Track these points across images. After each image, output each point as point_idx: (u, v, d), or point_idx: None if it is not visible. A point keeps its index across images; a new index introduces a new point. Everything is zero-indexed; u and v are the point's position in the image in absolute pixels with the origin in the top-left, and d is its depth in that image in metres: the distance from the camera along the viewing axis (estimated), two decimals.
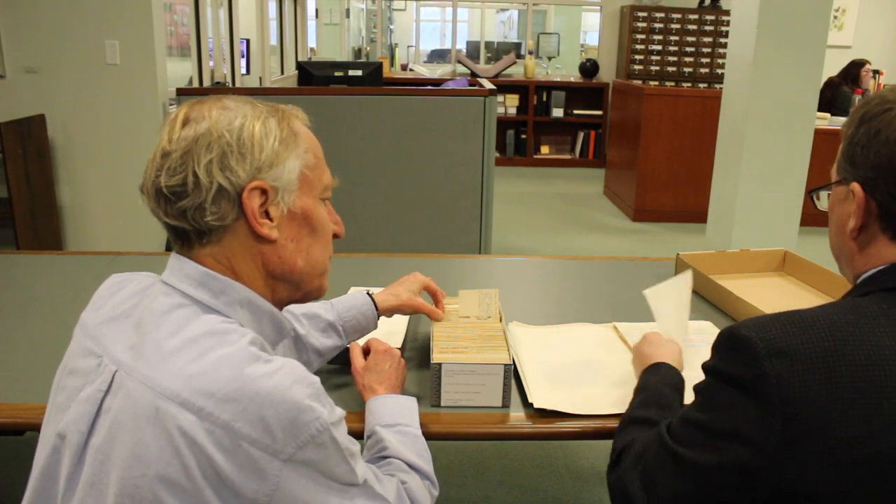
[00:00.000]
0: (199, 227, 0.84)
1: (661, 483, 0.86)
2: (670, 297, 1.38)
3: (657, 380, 1.12)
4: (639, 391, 1.12)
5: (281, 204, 0.87)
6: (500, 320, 1.42)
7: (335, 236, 0.98)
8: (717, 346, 0.86)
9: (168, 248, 0.99)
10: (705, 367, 0.88)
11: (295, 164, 0.88)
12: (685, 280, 1.41)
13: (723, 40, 7.38)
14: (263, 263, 0.88)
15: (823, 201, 0.99)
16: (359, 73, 3.59)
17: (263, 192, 0.85)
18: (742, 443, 0.78)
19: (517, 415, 1.22)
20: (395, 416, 1.11)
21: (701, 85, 7.48)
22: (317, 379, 0.82)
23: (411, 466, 1.04)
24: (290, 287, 0.93)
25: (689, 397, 1.01)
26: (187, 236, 0.86)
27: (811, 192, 1.02)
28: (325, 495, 0.80)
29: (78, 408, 0.82)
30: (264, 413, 0.75)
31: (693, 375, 1.36)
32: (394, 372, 1.21)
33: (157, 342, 0.80)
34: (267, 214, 0.86)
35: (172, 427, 0.74)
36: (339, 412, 0.84)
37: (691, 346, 1.46)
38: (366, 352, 1.27)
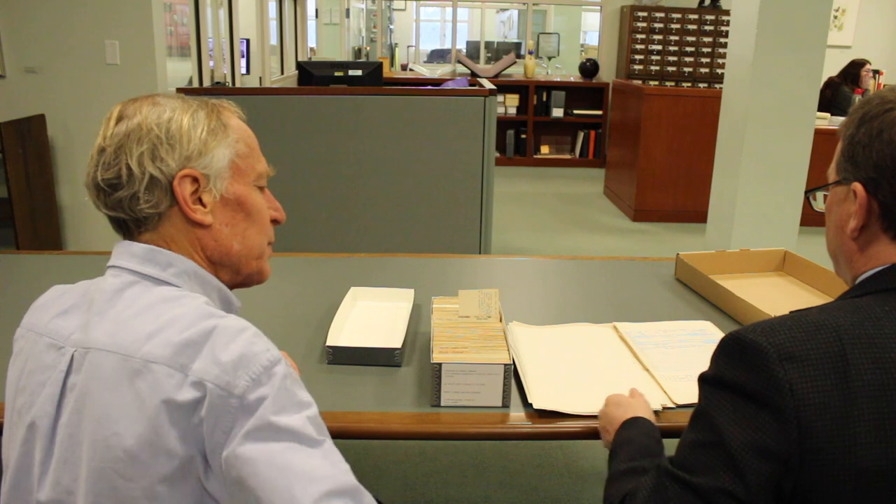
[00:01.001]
0: (136, 215, 0.89)
1: None
2: None
3: (637, 432, 1.04)
4: (621, 446, 1.03)
5: (213, 191, 0.92)
6: (500, 320, 1.42)
7: (275, 222, 1.02)
8: (721, 354, 0.82)
9: None
10: (705, 379, 0.83)
11: (224, 152, 0.93)
12: None
13: (723, 40, 7.38)
14: (202, 248, 0.93)
15: (820, 202, 0.98)
16: (359, 73, 3.59)
17: (194, 179, 0.90)
18: (759, 455, 0.75)
19: (517, 415, 1.22)
20: None
21: (701, 85, 7.48)
22: (261, 334, 0.86)
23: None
24: (230, 271, 0.97)
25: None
26: (126, 226, 0.91)
27: (808, 193, 1.01)
28: (283, 440, 0.78)
29: (44, 394, 0.85)
30: (218, 353, 0.79)
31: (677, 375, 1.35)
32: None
33: (113, 316, 0.85)
34: (200, 201, 0.91)
35: (137, 381, 0.79)
36: (291, 370, 0.84)
37: (676, 347, 1.46)
38: None
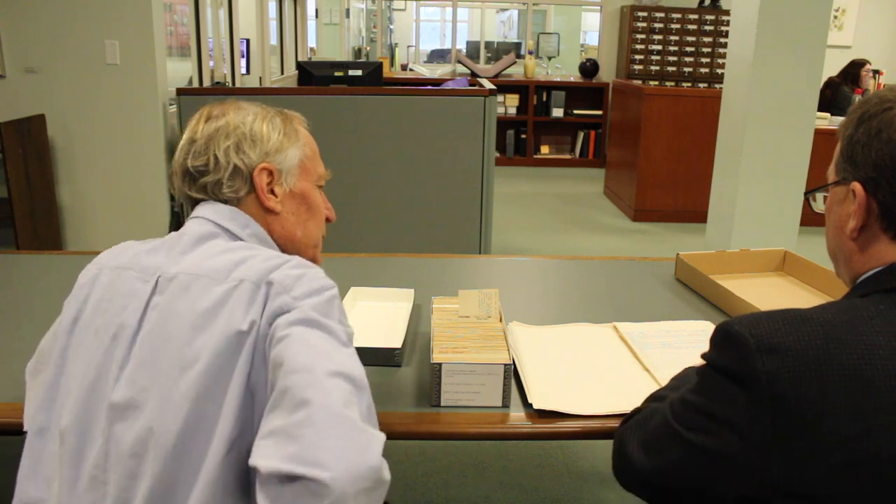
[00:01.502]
0: (218, 198, 1.04)
1: (656, 451, 0.90)
2: None
3: (691, 371, 1.12)
4: (674, 379, 1.15)
5: (284, 184, 1.08)
6: (500, 320, 1.42)
7: (327, 220, 1.18)
8: (712, 340, 0.87)
9: None
10: (703, 357, 0.89)
11: (295, 153, 1.10)
12: None
13: (723, 40, 7.38)
14: (269, 232, 1.07)
15: (819, 203, 0.99)
16: (359, 73, 3.59)
17: (270, 172, 1.06)
18: (731, 430, 0.79)
19: (517, 415, 1.22)
20: None
21: (701, 85, 7.48)
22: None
23: None
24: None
25: None
26: None
27: (807, 194, 1.02)
28: (318, 334, 0.87)
29: (127, 311, 0.93)
30: (289, 269, 0.93)
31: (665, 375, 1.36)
32: None
33: (199, 253, 0.97)
34: (273, 192, 1.07)
35: (218, 291, 0.90)
36: (342, 305, 0.95)
37: (669, 348, 1.46)
38: None
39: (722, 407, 0.81)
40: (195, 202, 1.06)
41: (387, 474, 0.77)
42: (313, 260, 1.14)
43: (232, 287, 0.90)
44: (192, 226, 1.02)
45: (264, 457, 0.76)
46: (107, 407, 0.90)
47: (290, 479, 0.73)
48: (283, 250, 1.08)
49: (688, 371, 1.14)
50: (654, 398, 1.08)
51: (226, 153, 1.03)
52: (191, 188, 1.04)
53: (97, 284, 0.99)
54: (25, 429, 0.99)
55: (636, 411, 1.04)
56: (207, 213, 1.03)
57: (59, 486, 0.91)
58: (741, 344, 0.80)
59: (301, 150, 1.11)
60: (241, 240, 1.02)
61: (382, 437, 0.79)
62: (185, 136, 1.06)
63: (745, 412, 0.79)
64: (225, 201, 1.04)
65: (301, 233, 1.11)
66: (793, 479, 0.76)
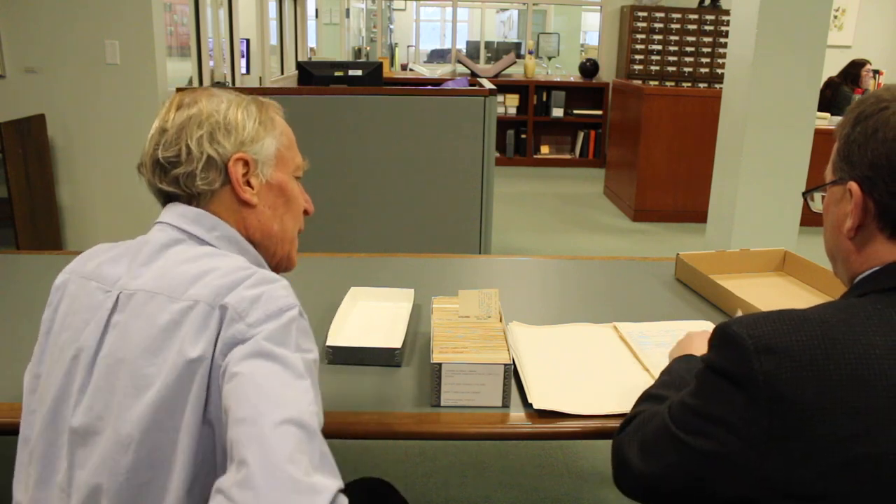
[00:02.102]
0: (190, 191, 0.98)
1: (656, 456, 0.90)
2: None
3: (682, 367, 1.14)
4: (663, 374, 1.14)
5: (260, 175, 1.02)
6: (500, 320, 1.42)
7: (305, 213, 1.13)
8: (711, 341, 0.87)
9: None
10: (702, 359, 0.89)
11: (272, 142, 1.04)
12: None
13: (723, 40, 7.38)
14: (245, 226, 1.02)
15: (817, 202, 0.99)
16: (359, 72, 3.59)
17: (246, 163, 1.00)
18: (728, 431, 0.80)
19: (517, 415, 1.22)
20: None
21: (701, 85, 7.48)
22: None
23: None
24: (265, 253, 1.06)
25: None
26: (178, 200, 1.00)
27: (805, 194, 1.02)
28: (270, 369, 0.82)
29: (88, 330, 0.91)
30: (245, 290, 0.87)
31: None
32: None
33: (159, 265, 0.92)
34: (248, 184, 1.01)
35: (179, 317, 0.86)
36: (307, 325, 0.90)
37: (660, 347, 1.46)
38: None
39: (720, 408, 0.81)
40: (166, 196, 1.00)
41: None
42: (287, 259, 1.10)
43: (187, 307, 0.86)
44: (154, 233, 0.97)
45: None
46: (68, 431, 0.88)
47: None
48: (259, 246, 1.04)
49: (676, 364, 1.15)
50: (646, 398, 1.08)
51: (198, 143, 0.97)
52: (162, 181, 0.98)
53: (66, 293, 0.97)
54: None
55: (632, 417, 1.03)
56: (171, 219, 0.97)
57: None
58: (739, 344, 0.80)
59: (277, 139, 1.05)
60: (208, 243, 0.97)
61: (335, 486, 0.72)
62: (154, 125, 1.00)
63: (743, 413, 0.79)
64: (198, 194, 0.98)
65: (278, 227, 1.05)
66: (791, 480, 0.76)
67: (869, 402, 0.75)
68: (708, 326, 1.57)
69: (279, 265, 1.10)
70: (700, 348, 1.20)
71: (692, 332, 1.29)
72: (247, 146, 1.00)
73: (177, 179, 0.97)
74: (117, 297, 0.90)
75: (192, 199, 0.98)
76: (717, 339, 0.86)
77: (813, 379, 0.76)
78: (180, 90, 3.65)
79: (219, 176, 0.98)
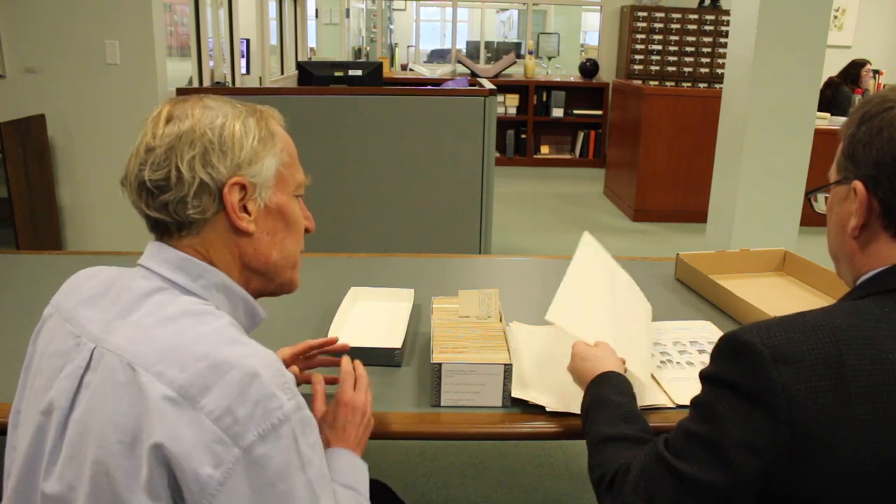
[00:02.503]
0: (181, 219, 0.88)
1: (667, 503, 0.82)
2: (580, 293, 1.33)
3: (610, 391, 1.06)
4: (598, 405, 1.05)
5: (258, 199, 0.92)
6: (500, 320, 1.42)
7: (306, 231, 1.02)
8: (719, 354, 0.83)
9: None
10: (704, 376, 0.85)
11: (272, 161, 0.92)
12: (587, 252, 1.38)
13: (723, 40, 7.37)
14: (240, 255, 0.93)
15: (821, 203, 0.99)
16: (359, 73, 3.59)
17: (243, 187, 0.89)
18: (750, 453, 0.76)
19: (517, 415, 1.22)
20: (353, 479, 1.02)
21: (701, 85, 7.47)
22: (290, 374, 0.82)
23: None
24: (263, 279, 0.97)
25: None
26: (167, 228, 0.90)
27: (808, 194, 1.01)
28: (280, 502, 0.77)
29: (60, 384, 0.84)
30: (230, 392, 0.76)
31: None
32: (354, 430, 1.08)
33: (135, 321, 0.83)
34: (245, 209, 0.91)
35: (144, 392, 0.77)
36: (307, 414, 0.81)
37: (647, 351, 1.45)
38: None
39: (737, 429, 0.77)
40: (154, 222, 0.90)
41: None
42: (290, 283, 1.00)
43: (153, 392, 0.77)
44: (136, 278, 0.88)
45: None
46: (40, 496, 0.83)
47: None
48: (257, 273, 0.95)
49: (605, 392, 1.06)
50: (610, 439, 0.97)
51: (190, 166, 0.85)
52: (149, 206, 0.87)
53: (45, 328, 0.93)
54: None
55: (612, 475, 0.90)
56: (154, 265, 0.88)
57: None
58: (754, 354, 0.78)
59: (278, 157, 0.93)
60: (193, 293, 0.88)
61: None
62: (140, 140, 0.89)
63: (762, 429, 0.76)
64: (190, 223, 0.88)
65: (277, 254, 0.95)
66: (810, 488, 0.75)
67: (885, 409, 0.74)
68: (707, 327, 1.57)
69: (280, 290, 1.00)
70: (604, 360, 1.12)
71: (578, 351, 1.18)
72: (244, 168, 0.89)
73: (165, 205, 0.86)
74: (91, 354, 0.83)
75: (182, 227, 0.88)
76: (727, 350, 0.82)
77: (831, 388, 0.75)
78: (181, 90, 3.63)
79: (212, 203, 0.88)
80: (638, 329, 1.39)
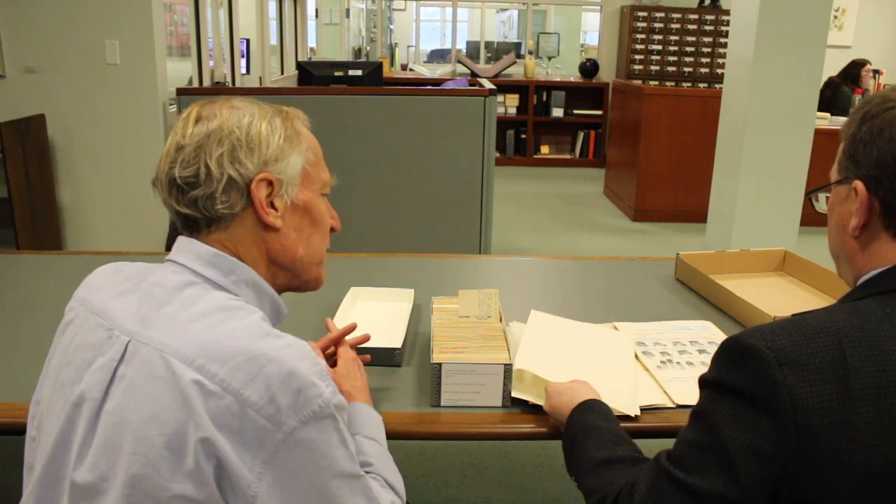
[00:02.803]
0: (209, 215, 0.90)
1: None
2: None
3: (595, 417, 1.06)
4: (585, 432, 1.04)
5: (285, 196, 0.94)
6: (500, 320, 1.42)
7: (332, 230, 1.05)
8: (720, 358, 0.82)
9: (168, 248, 1.03)
10: (705, 382, 0.84)
11: (298, 159, 0.96)
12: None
13: (723, 40, 7.38)
14: (267, 251, 0.95)
15: (822, 203, 0.98)
16: (359, 72, 3.59)
17: (270, 183, 0.92)
18: (756, 458, 0.76)
19: (517, 415, 1.22)
20: (374, 430, 1.10)
21: (701, 85, 7.48)
22: (322, 361, 0.85)
23: (390, 486, 1.05)
24: (289, 275, 0.99)
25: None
26: (196, 224, 0.92)
27: (809, 194, 1.01)
28: (325, 478, 0.81)
29: (91, 377, 0.85)
30: (272, 384, 0.78)
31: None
32: (364, 382, 1.20)
33: (170, 315, 0.85)
34: (272, 205, 0.93)
35: (188, 388, 0.78)
36: (341, 398, 0.84)
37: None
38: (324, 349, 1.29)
39: (742, 435, 0.76)
40: (184, 218, 0.92)
41: None
42: (316, 280, 1.03)
43: (193, 386, 0.79)
44: (167, 273, 0.90)
45: None
46: (70, 484, 0.84)
47: None
48: (284, 269, 0.98)
49: (590, 418, 1.05)
50: (605, 462, 0.96)
51: (218, 163, 0.89)
52: (179, 202, 0.90)
53: (72, 324, 0.93)
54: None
55: (619, 494, 0.87)
56: (185, 260, 0.91)
57: None
58: (760, 358, 0.77)
59: (304, 155, 0.96)
60: (224, 288, 0.90)
61: None
62: (171, 140, 0.92)
63: (768, 434, 0.75)
64: (219, 218, 0.91)
65: (303, 250, 0.98)
66: (816, 492, 0.75)
67: (891, 411, 0.74)
68: (707, 327, 1.57)
69: (305, 286, 1.03)
70: (581, 391, 1.13)
71: (550, 389, 1.18)
72: (271, 165, 0.92)
73: (195, 201, 0.89)
74: (126, 346, 0.85)
75: (211, 222, 0.91)
76: (730, 355, 0.81)
77: (837, 391, 0.74)
78: (181, 90, 3.64)
79: (240, 198, 0.90)
80: (617, 367, 1.37)
